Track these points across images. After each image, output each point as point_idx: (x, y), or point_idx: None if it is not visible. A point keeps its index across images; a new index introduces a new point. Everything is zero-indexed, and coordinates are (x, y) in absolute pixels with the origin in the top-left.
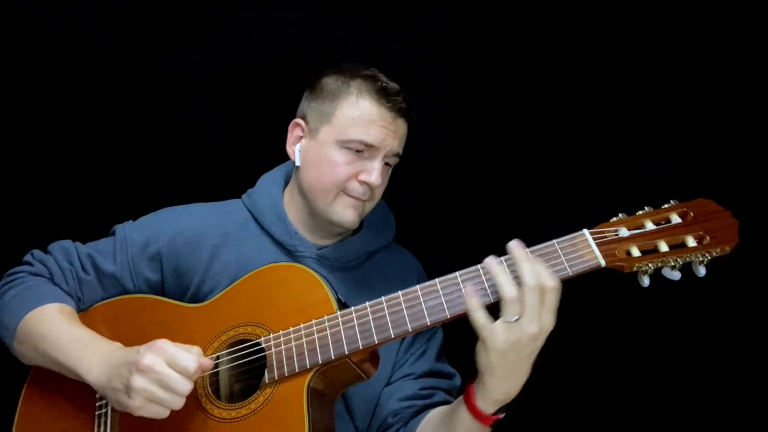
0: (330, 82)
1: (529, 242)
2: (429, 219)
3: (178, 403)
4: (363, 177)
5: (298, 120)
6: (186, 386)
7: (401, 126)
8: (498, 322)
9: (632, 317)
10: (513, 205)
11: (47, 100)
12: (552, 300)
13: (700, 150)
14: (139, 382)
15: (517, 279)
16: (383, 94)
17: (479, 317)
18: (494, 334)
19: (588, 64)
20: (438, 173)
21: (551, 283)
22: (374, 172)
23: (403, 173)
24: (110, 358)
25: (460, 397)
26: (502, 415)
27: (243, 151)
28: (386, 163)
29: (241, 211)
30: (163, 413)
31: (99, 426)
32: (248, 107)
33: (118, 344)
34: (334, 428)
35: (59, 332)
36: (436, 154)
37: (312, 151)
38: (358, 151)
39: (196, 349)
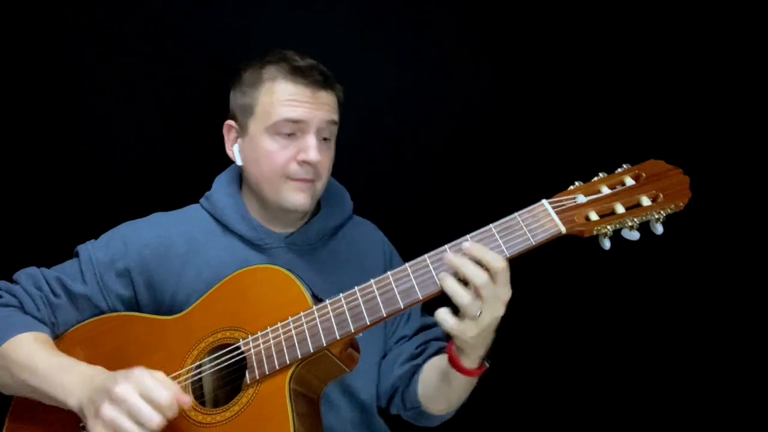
0: (245, 76)
1: (494, 217)
2: (416, 208)
3: None
4: (301, 157)
5: (229, 121)
6: (156, 420)
7: (324, 97)
8: (466, 321)
9: (600, 283)
10: (476, 185)
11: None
12: (504, 278)
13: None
14: (108, 410)
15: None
16: (296, 72)
17: (446, 320)
18: (466, 331)
19: (581, 63)
20: (428, 168)
21: (500, 265)
22: (310, 150)
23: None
24: (92, 382)
25: (447, 362)
26: (487, 365)
27: (194, 156)
28: (324, 138)
29: (202, 214)
30: None
31: None
32: (197, 110)
33: (100, 368)
34: (321, 424)
35: (36, 360)
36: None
37: (247, 147)
38: (289, 135)
39: (175, 386)
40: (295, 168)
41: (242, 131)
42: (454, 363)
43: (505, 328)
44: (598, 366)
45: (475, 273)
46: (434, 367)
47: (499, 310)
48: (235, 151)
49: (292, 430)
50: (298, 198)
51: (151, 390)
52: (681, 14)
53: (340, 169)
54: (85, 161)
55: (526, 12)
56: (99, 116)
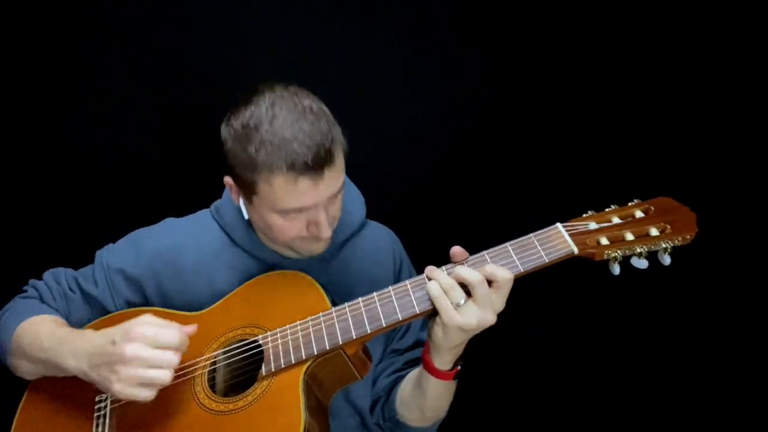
0: (236, 152)
1: (506, 237)
2: (420, 215)
3: (168, 377)
4: (312, 232)
5: (229, 180)
6: (175, 359)
7: (328, 175)
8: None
9: (608, 307)
10: (492, 203)
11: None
12: (506, 289)
13: (666, 152)
14: (128, 371)
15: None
16: (293, 168)
17: (433, 288)
18: (450, 315)
19: (578, 68)
20: (433, 173)
21: (506, 276)
22: (322, 228)
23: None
24: (92, 346)
25: (421, 366)
26: (459, 367)
27: (208, 157)
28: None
29: (212, 224)
30: (151, 395)
31: (97, 426)
32: (211, 112)
33: (92, 331)
34: (328, 425)
35: (45, 333)
36: (433, 154)
37: (254, 213)
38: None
39: (174, 323)
40: (307, 235)
41: (246, 197)
42: (425, 363)
43: (512, 346)
44: (600, 383)
45: (469, 273)
46: (412, 374)
47: (489, 317)
48: (241, 205)
49: (302, 422)
50: (314, 248)
51: (159, 338)
52: (714, 45)
53: (366, 172)
54: (103, 165)
55: (558, 34)
56: (118, 122)
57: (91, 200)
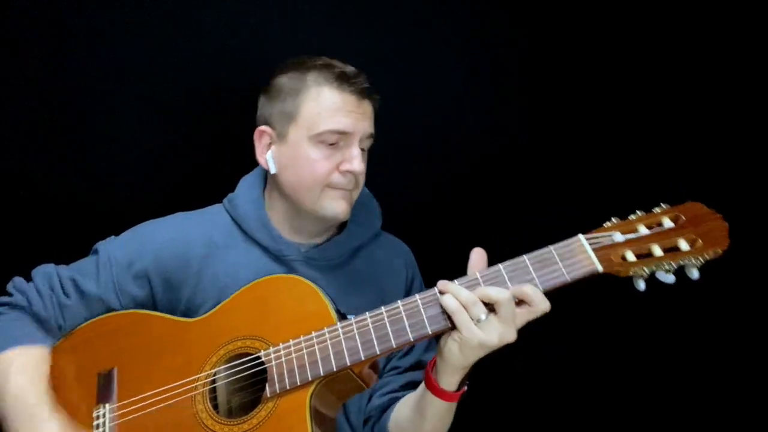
0: (285, 81)
1: (524, 249)
2: (433, 225)
3: None
4: (345, 167)
5: (263, 127)
6: None
7: (368, 107)
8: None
9: (628, 320)
10: (508, 211)
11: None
12: (538, 312)
13: (687, 154)
14: None
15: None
16: (342, 80)
17: (450, 303)
18: (471, 328)
19: (586, 72)
20: (445, 180)
21: (546, 306)
22: (355, 160)
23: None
24: None
25: (424, 386)
26: (465, 388)
27: (222, 153)
28: (361, 149)
29: (224, 217)
30: None
31: None
32: (226, 108)
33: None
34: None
35: (14, 387)
36: (442, 161)
37: (285, 154)
38: (332, 144)
39: None
40: (337, 177)
41: (279, 138)
42: (430, 383)
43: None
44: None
45: (497, 292)
46: (411, 396)
47: (511, 334)
48: (268, 158)
49: None
50: (338, 205)
51: None
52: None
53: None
54: (110, 157)
55: (575, 39)
56: (126, 112)
57: (93, 197)
